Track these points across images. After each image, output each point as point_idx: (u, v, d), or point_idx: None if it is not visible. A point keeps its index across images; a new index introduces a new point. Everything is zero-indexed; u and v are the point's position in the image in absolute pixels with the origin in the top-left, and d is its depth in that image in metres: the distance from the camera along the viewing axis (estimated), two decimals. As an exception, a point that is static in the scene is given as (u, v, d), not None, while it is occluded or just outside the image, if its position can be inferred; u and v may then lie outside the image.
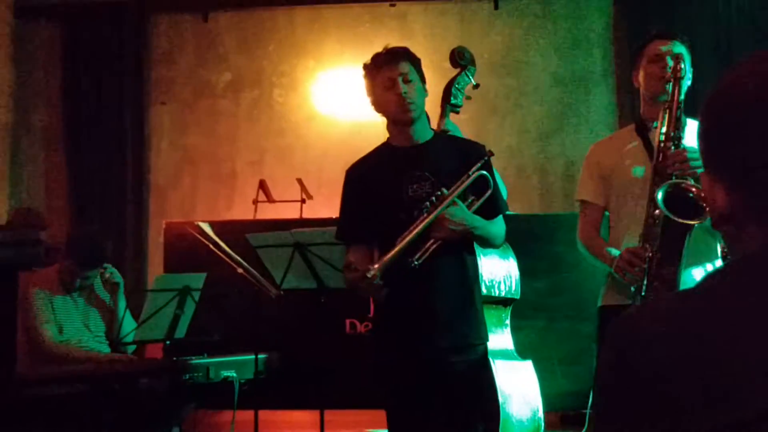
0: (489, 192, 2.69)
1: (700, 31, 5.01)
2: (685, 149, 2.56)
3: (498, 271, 3.46)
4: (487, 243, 2.79)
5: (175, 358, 3.43)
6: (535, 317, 3.97)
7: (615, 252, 2.66)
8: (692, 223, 2.44)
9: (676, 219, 2.43)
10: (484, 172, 2.69)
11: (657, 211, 2.51)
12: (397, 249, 2.55)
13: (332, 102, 5.39)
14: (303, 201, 4.79)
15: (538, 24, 5.32)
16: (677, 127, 2.61)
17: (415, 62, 2.76)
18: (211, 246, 3.85)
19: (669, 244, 2.50)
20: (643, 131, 2.79)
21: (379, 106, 2.78)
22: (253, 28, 5.53)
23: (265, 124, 5.46)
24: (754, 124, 0.87)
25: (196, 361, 3.39)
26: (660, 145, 2.61)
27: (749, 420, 0.77)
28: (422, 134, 2.78)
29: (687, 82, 2.73)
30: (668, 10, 5.05)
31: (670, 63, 2.69)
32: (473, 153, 2.76)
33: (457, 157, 2.74)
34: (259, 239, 3.51)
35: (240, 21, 5.55)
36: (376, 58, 2.76)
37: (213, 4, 5.53)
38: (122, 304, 3.84)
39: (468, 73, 3.48)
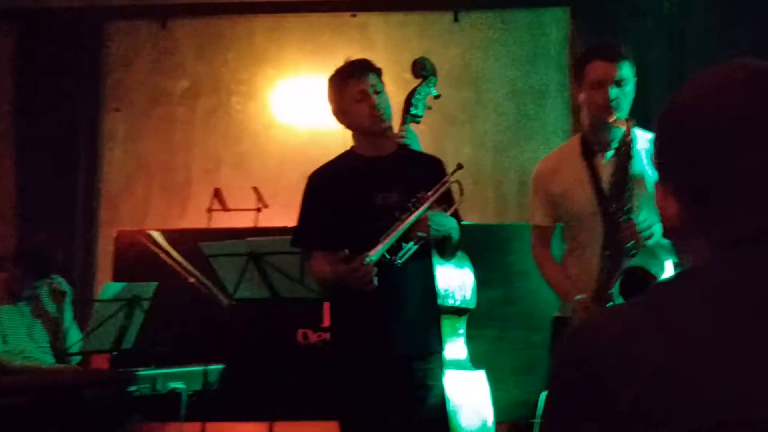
0: (457, 203, 2.75)
1: (654, 45, 5.08)
2: (634, 222, 2.57)
3: (453, 280, 3.46)
4: (453, 252, 2.79)
5: (121, 370, 3.36)
6: (488, 326, 3.97)
7: (578, 297, 2.67)
8: None
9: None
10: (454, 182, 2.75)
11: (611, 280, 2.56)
12: (387, 241, 2.56)
13: (291, 111, 5.36)
14: (259, 210, 4.74)
15: (497, 37, 5.34)
16: (628, 199, 2.61)
17: (380, 74, 2.80)
18: (162, 255, 3.80)
19: None
20: (589, 155, 2.78)
21: (347, 117, 2.79)
22: (212, 35, 5.48)
23: (222, 131, 5.40)
24: (706, 140, 0.89)
25: (143, 372, 3.33)
26: (611, 216, 2.61)
27: (698, 429, 0.78)
28: (388, 145, 2.80)
29: (630, 96, 2.73)
30: (624, 25, 5.11)
31: (614, 91, 2.66)
32: (433, 166, 2.80)
33: (420, 169, 2.78)
34: (212, 248, 3.47)
35: (199, 28, 5.49)
36: (344, 69, 2.79)
37: (171, 11, 5.46)
38: (69, 314, 3.77)
39: (429, 83, 3.48)
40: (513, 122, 5.25)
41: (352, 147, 2.87)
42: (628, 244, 2.56)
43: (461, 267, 3.58)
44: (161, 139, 5.41)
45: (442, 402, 2.77)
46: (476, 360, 3.62)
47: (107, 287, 3.62)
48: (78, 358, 3.75)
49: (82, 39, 5.35)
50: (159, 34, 5.46)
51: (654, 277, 2.55)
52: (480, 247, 3.61)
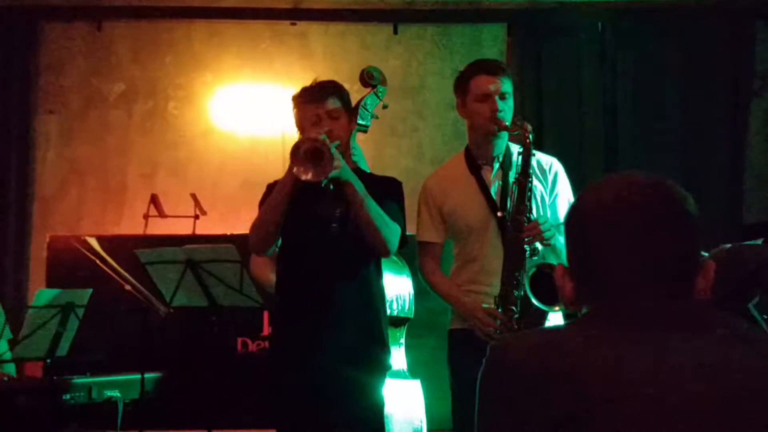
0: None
1: (586, 61, 5.25)
2: (537, 221, 2.68)
3: (391, 290, 3.49)
4: (370, 225, 2.66)
5: (55, 377, 3.30)
6: (427, 336, 4.02)
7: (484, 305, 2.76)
8: (555, 309, 2.62)
9: (540, 306, 2.63)
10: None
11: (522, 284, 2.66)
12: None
13: (230, 117, 5.34)
14: (197, 217, 4.70)
15: (435, 49, 5.44)
16: (528, 198, 2.72)
17: (344, 97, 2.82)
18: (97, 261, 3.73)
19: (531, 318, 2.67)
20: (476, 169, 2.87)
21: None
22: (149, 39, 5.41)
23: (159, 136, 5.34)
24: (589, 241, 1.15)
25: (78, 380, 3.27)
26: (513, 218, 2.71)
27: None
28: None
29: (512, 110, 2.84)
30: (558, 43, 5.27)
31: (499, 104, 2.77)
32: (389, 187, 2.83)
33: (373, 190, 2.77)
34: (148, 255, 3.41)
35: (135, 31, 5.42)
36: (305, 92, 2.81)
37: (107, 13, 5.37)
38: (-1, 320, 3.67)
39: (378, 93, 3.49)
40: (451, 134, 5.34)
41: None
42: (532, 244, 2.66)
43: (398, 275, 3.63)
44: (96, 142, 5.31)
45: (380, 412, 2.80)
46: (415, 369, 3.67)
47: (41, 294, 3.54)
48: (12, 366, 3.66)
49: (14, 39, 5.22)
50: (94, 35, 5.37)
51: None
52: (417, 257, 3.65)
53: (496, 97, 2.77)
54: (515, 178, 2.74)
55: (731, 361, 1.04)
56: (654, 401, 1.01)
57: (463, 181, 2.86)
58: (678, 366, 1.03)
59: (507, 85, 2.81)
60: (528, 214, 2.70)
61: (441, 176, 2.99)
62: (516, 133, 2.77)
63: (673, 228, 1.12)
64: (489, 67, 2.84)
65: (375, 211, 2.68)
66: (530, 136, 2.73)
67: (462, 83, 2.87)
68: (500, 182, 2.81)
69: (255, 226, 2.74)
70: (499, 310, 2.67)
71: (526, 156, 2.73)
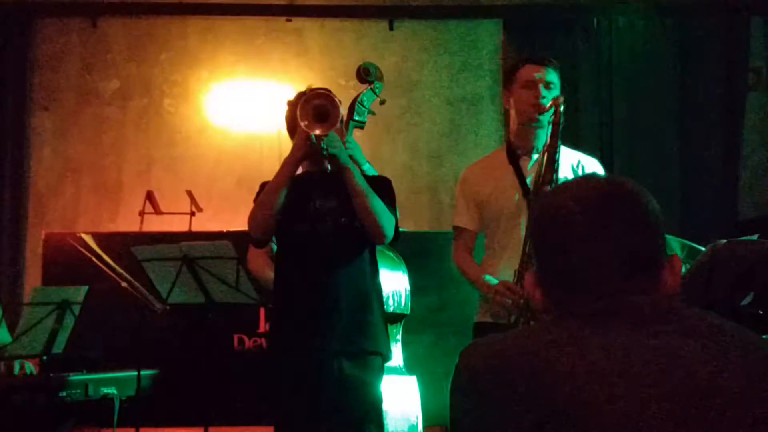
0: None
1: (581, 60, 5.26)
2: None
3: (387, 286, 3.49)
4: (367, 211, 2.69)
5: (51, 375, 3.30)
6: (424, 332, 4.03)
7: (493, 281, 2.76)
8: None
9: None
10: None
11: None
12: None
13: (225, 114, 5.34)
14: (192, 213, 4.70)
15: (431, 46, 5.44)
16: (554, 170, 2.72)
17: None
18: (93, 258, 3.73)
19: None
20: (515, 159, 2.88)
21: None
22: (144, 35, 5.41)
23: (154, 133, 5.33)
24: (553, 248, 1.15)
25: (74, 377, 3.27)
26: (538, 188, 2.71)
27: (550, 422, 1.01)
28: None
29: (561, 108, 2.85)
30: (554, 40, 5.28)
31: (543, 92, 2.80)
32: (380, 185, 2.83)
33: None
34: (144, 252, 3.41)
35: (130, 28, 5.41)
36: (302, 96, 2.82)
37: (102, 9, 5.37)
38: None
39: (374, 89, 3.48)
40: (447, 130, 5.35)
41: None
42: None
43: (395, 271, 3.63)
44: (91, 139, 5.31)
45: (378, 408, 2.80)
46: (411, 365, 3.68)
47: (37, 291, 3.54)
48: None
49: (9, 35, 5.21)
50: (89, 32, 5.36)
51: None
52: (415, 254, 3.66)
53: (541, 86, 2.80)
54: (543, 147, 2.75)
55: (688, 359, 1.03)
56: (614, 400, 1.01)
57: (501, 170, 2.89)
58: (636, 365, 1.03)
59: (552, 76, 2.85)
60: (553, 185, 2.68)
61: (479, 167, 3.03)
62: (551, 110, 2.76)
63: (629, 224, 1.12)
64: (536, 58, 2.92)
65: (372, 196, 2.70)
66: (562, 107, 2.74)
67: (509, 75, 2.93)
68: (541, 156, 2.81)
69: (256, 208, 2.76)
70: (519, 285, 2.67)
71: (556, 124, 2.73)
